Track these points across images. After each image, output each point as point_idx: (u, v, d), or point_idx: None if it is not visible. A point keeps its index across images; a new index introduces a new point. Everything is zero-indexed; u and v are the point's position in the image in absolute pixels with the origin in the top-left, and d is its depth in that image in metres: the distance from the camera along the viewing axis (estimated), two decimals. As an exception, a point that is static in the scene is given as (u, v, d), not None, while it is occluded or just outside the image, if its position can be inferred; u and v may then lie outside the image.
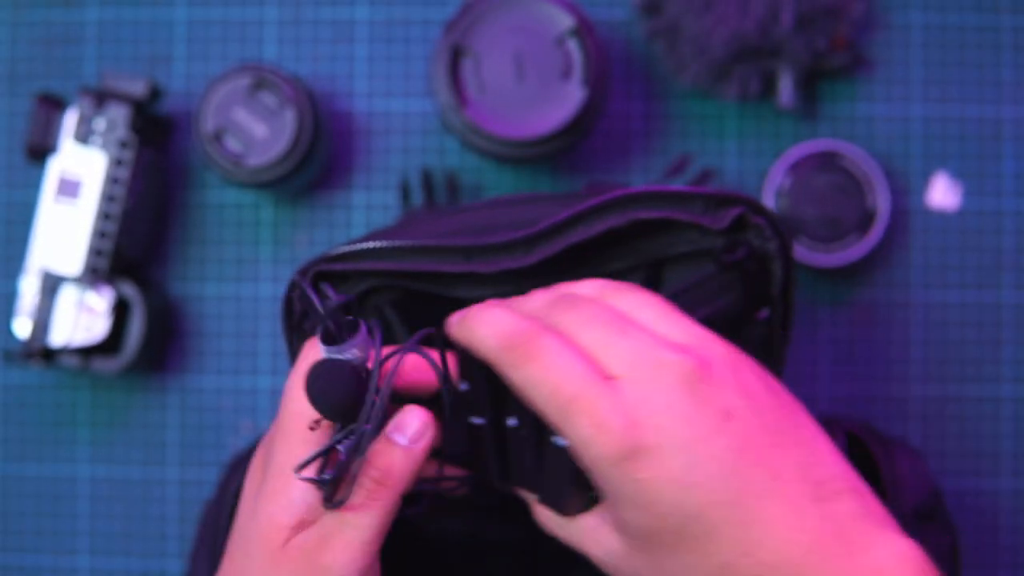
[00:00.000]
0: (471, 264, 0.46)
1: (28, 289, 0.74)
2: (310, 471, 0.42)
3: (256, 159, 0.71)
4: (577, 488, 0.42)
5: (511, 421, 0.43)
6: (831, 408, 0.78)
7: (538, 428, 0.42)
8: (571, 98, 0.70)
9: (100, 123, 0.73)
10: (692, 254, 0.47)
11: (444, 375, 0.44)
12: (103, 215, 0.73)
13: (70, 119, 0.73)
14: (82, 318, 0.73)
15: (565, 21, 0.70)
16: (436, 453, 0.46)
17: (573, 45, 0.70)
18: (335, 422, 0.42)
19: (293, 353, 0.49)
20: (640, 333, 0.40)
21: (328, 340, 0.41)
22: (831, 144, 0.75)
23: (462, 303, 0.46)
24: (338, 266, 0.47)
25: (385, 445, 0.43)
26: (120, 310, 0.75)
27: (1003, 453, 0.78)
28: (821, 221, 0.74)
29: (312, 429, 0.43)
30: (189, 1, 0.79)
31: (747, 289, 0.46)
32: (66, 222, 0.73)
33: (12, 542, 0.79)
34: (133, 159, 0.73)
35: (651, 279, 0.47)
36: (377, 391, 0.42)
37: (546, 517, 0.45)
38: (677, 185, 0.76)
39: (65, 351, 0.74)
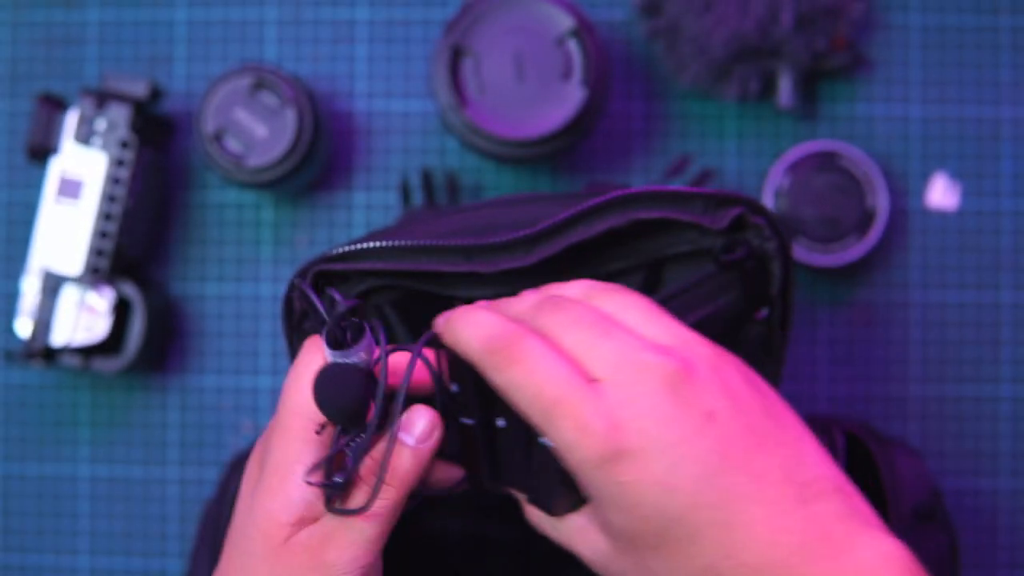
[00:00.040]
0: (471, 264, 0.46)
1: (29, 289, 0.74)
2: (315, 475, 0.43)
3: (256, 159, 0.72)
4: (564, 488, 0.42)
5: (500, 422, 0.43)
6: (830, 408, 0.78)
7: (526, 429, 0.42)
8: (571, 98, 0.70)
9: (101, 123, 0.73)
10: (692, 254, 0.47)
11: (438, 377, 0.44)
12: (104, 215, 0.73)
13: (71, 119, 0.73)
14: (83, 318, 0.74)
15: (565, 21, 0.70)
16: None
17: (573, 45, 0.70)
18: (340, 426, 0.42)
19: (293, 352, 0.49)
20: (624, 335, 0.40)
21: (335, 345, 0.41)
22: (830, 144, 0.75)
23: (462, 303, 0.46)
24: (338, 266, 0.47)
25: (395, 446, 0.43)
26: (121, 310, 0.75)
27: (1002, 453, 0.78)
28: (820, 221, 0.74)
29: (318, 433, 0.43)
30: (190, 2, 0.79)
31: (746, 289, 0.46)
32: (67, 222, 0.73)
33: (13, 541, 0.79)
34: (134, 159, 0.74)
35: (651, 279, 0.48)
36: (390, 397, 0.42)
37: (537, 517, 0.46)
38: (677, 185, 0.77)
39: (66, 351, 0.74)
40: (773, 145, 0.79)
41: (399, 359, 0.44)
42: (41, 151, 0.74)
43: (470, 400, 0.44)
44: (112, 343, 0.75)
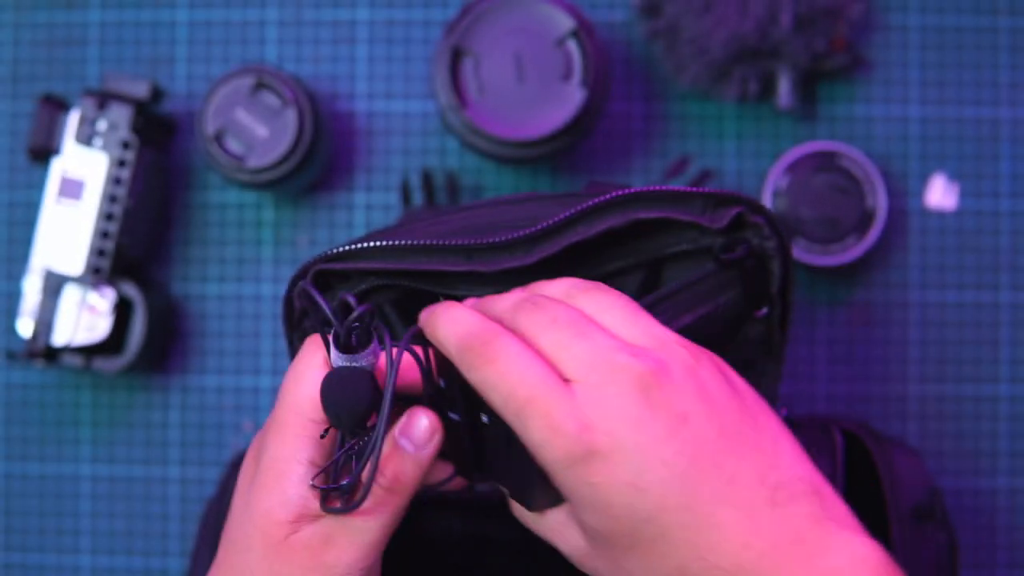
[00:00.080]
0: (472, 263, 0.46)
1: (31, 289, 0.74)
2: (320, 479, 0.43)
3: (257, 160, 0.72)
4: (543, 485, 0.42)
5: (484, 418, 0.43)
6: (829, 408, 0.78)
7: (507, 425, 0.42)
8: (571, 99, 0.70)
9: (102, 124, 0.73)
10: (691, 253, 0.47)
11: (427, 373, 0.44)
12: (105, 215, 0.73)
13: (72, 120, 0.74)
14: (84, 318, 0.74)
15: (565, 22, 0.70)
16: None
17: (573, 46, 0.71)
18: (345, 429, 0.42)
19: (293, 352, 0.49)
20: (599, 336, 0.40)
21: (345, 349, 0.42)
22: (829, 145, 0.75)
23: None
24: (338, 265, 0.47)
25: (394, 451, 0.43)
26: (122, 310, 0.75)
27: (1000, 452, 0.78)
28: (819, 221, 0.75)
29: (322, 437, 0.44)
30: (191, 3, 0.80)
31: (746, 287, 0.46)
32: (68, 222, 0.73)
33: (15, 541, 0.79)
34: (135, 160, 0.74)
35: (651, 278, 0.48)
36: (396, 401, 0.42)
37: (521, 511, 0.46)
38: (676, 185, 0.77)
39: (67, 351, 0.74)
40: (772, 146, 0.79)
41: (406, 361, 0.44)
42: (43, 152, 0.74)
43: (456, 395, 0.44)
44: (113, 343, 0.75)
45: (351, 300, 0.40)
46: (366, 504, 0.42)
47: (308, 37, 0.80)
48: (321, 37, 0.80)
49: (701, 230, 0.46)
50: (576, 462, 0.38)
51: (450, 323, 0.42)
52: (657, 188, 0.46)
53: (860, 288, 0.79)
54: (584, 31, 0.70)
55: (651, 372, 0.39)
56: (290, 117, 0.72)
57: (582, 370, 0.39)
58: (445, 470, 0.46)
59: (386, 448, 0.43)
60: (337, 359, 0.42)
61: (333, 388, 0.41)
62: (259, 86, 0.72)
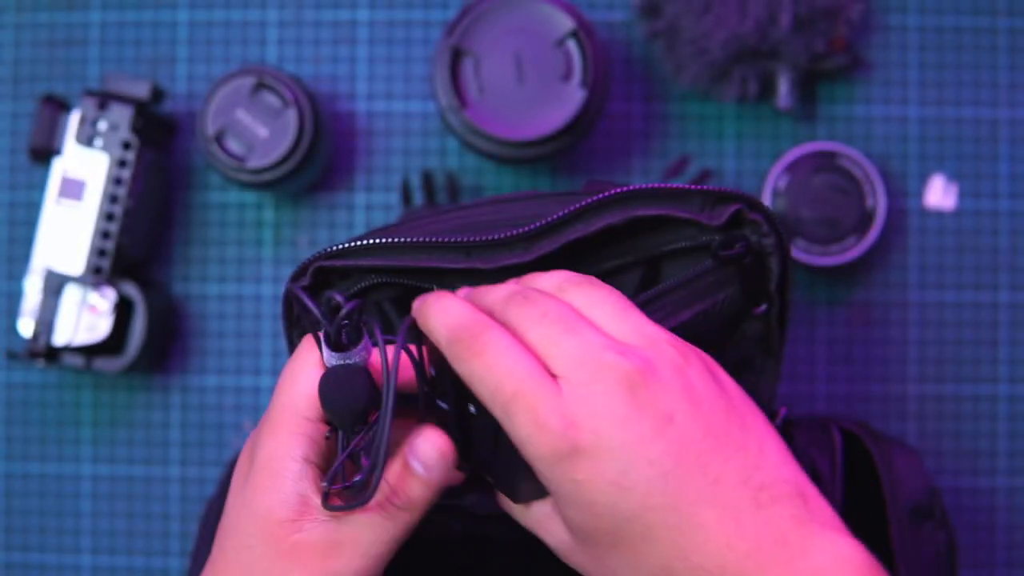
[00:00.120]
0: (471, 261, 0.46)
1: (32, 289, 0.74)
2: (311, 480, 0.43)
3: (258, 160, 0.72)
4: (528, 477, 0.42)
5: (471, 408, 0.43)
6: (829, 407, 0.78)
7: (493, 417, 0.42)
8: (571, 99, 0.70)
9: (103, 124, 0.73)
10: (690, 250, 0.47)
11: (419, 364, 0.44)
12: (106, 215, 0.73)
13: (73, 120, 0.74)
14: (85, 318, 0.74)
15: (565, 23, 0.70)
16: None
17: (573, 46, 0.71)
18: (346, 427, 0.42)
19: (293, 350, 0.49)
20: (588, 332, 0.40)
21: (337, 347, 0.42)
22: (829, 145, 0.75)
23: None
24: (338, 262, 0.47)
25: (404, 470, 0.43)
26: (122, 310, 0.75)
27: (999, 452, 0.78)
28: (819, 222, 0.75)
29: (327, 438, 0.44)
30: (191, 3, 0.80)
31: (745, 284, 0.46)
32: (69, 222, 0.74)
33: (16, 540, 0.79)
34: (135, 160, 0.74)
35: (649, 275, 0.48)
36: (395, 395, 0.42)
37: (507, 501, 0.46)
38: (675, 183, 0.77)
39: (68, 350, 0.74)
40: (772, 146, 0.79)
41: (390, 352, 0.44)
42: (44, 152, 0.74)
43: (446, 385, 0.44)
44: (114, 343, 0.75)
45: (339, 298, 0.40)
46: (377, 515, 0.42)
47: (308, 37, 0.80)
48: (321, 37, 0.80)
49: (700, 227, 0.46)
50: (561, 459, 0.38)
51: (440, 313, 0.42)
52: (656, 185, 0.46)
53: (860, 288, 0.79)
54: (584, 31, 0.70)
55: (638, 371, 0.39)
56: (290, 117, 0.72)
57: (570, 366, 0.39)
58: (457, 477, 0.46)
59: (399, 466, 0.43)
60: (331, 358, 0.42)
61: (331, 388, 0.41)
62: (259, 86, 0.72)
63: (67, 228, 0.74)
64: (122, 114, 0.73)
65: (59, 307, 0.74)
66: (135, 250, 0.76)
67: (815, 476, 0.57)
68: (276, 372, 0.79)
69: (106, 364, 0.75)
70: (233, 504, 0.45)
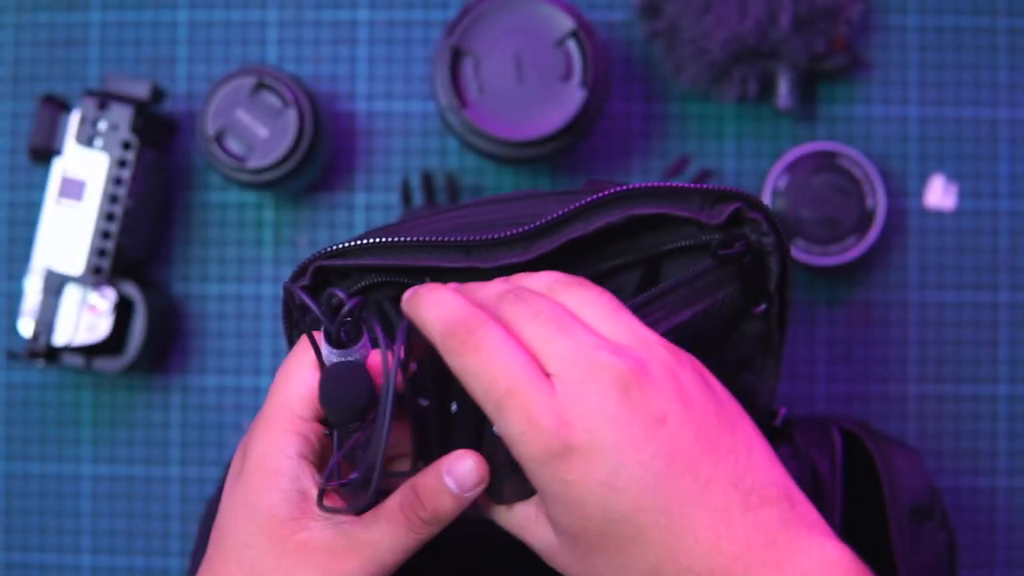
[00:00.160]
0: (470, 260, 0.46)
1: (32, 289, 0.74)
2: (309, 478, 0.43)
3: (258, 160, 0.72)
4: (514, 477, 0.42)
5: (453, 406, 0.43)
6: (828, 407, 0.78)
7: (477, 415, 0.42)
8: (571, 99, 0.70)
9: (103, 124, 0.74)
10: (689, 249, 0.47)
11: (404, 360, 0.44)
12: (106, 215, 0.74)
13: (73, 121, 0.74)
14: (85, 318, 0.74)
15: (565, 23, 0.70)
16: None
17: (573, 46, 0.71)
18: (343, 425, 0.42)
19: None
20: (581, 332, 0.40)
21: (337, 344, 0.42)
22: (829, 145, 0.75)
23: None
24: (338, 261, 0.47)
25: (438, 487, 0.42)
26: (122, 310, 0.75)
27: (999, 452, 0.78)
28: (819, 222, 0.75)
29: (327, 435, 0.44)
30: (191, 3, 0.80)
31: (744, 283, 0.46)
32: (69, 222, 0.74)
33: (16, 540, 0.79)
34: (135, 160, 0.74)
35: (649, 274, 0.48)
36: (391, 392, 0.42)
37: (487, 504, 0.45)
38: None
39: (68, 350, 0.74)
40: (772, 146, 0.79)
41: (389, 354, 0.44)
42: (44, 152, 0.74)
43: (427, 381, 0.44)
44: (114, 343, 0.75)
45: (341, 294, 0.40)
46: (401, 525, 0.42)
47: (308, 37, 0.80)
48: (321, 37, 0.80)
49: (699, 226, 0.46)
50: (552, 458, 0.38)
51: (434, 307, 0.41)
52: (655, 184, 0.46)
53: (860, 288, 0.79)
54: (584, 31, 0.70)
55: (631, 371, 0.39)
56: (290, 117, 0.72)
57: (564, 365, 0.39)
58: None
59: (432, 481, 0.43)
60: (331, 355, 0.42)
61: (331, 385, 0.41)
62: (259, 86, 0.72)
63: (67, 228, 0.74)
64: (122, 114, 0.73)
65: (59, 307, 0.74)
66: (135, 250, 0.76)
67: (815, 476, 0.57)
68: (276, 372, 0.79)
69: (106, 364, 0.75)
70: (229, 503, 0.45)
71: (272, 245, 0.79)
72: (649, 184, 0.46)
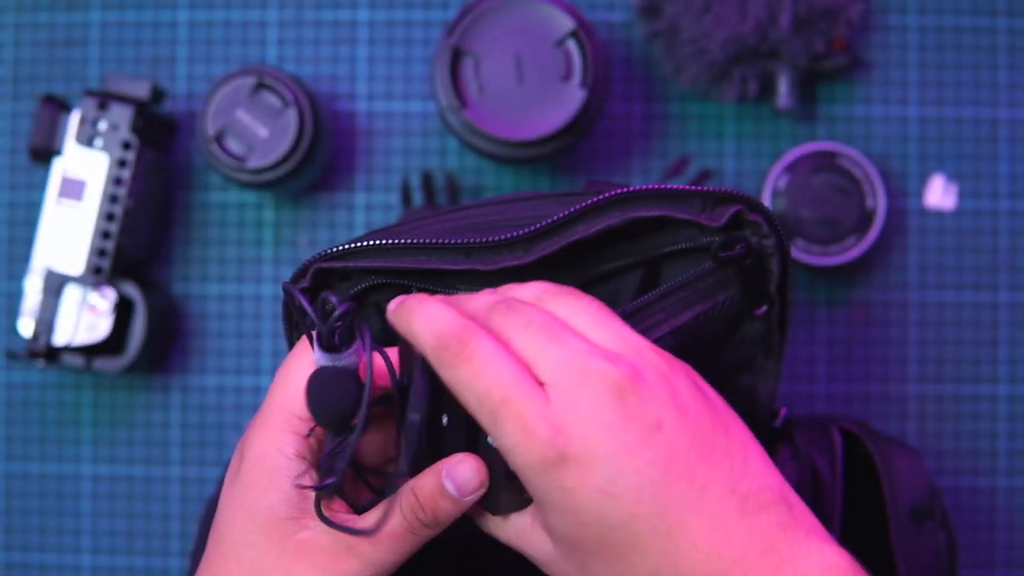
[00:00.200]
0: (471, 262, 0.46)
1: (32, 289, 0.74)
2: (306, 478, 0.43)
3: (258, 160, 0.72)
4: (510, 488, 0.42)
5: (443, 419, 0.43)
6: (828, 407, 0.78)
7: (468, 427, 0.42)
8: (571, 99, 0.70)
9: (103, 124, 0.74)
10: (690, 251, 0.47)
11: (393, 373, 0.44)
12: (106, 215, 0.74)
13: (73, 121, 0.74)
14: (85, 318, 0.74)
15: (565, 23, 0.70)
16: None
17: (573, 47, 0.71)
18: (330, 428, 0.42)
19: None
20: (574, 340, 0.40)
21: (328, 348, 0.42)
22: (829, 145, 0.75)
23: None
24: (338, 263, 0.47)
25: (438, 490, 0.43)
26: (122, 310, 0.75)
27: (999, 452, 0.78)
28: (819, 222, 0.75)
29: (307, 435, 0.44)
30: (191, 3, 0.80)
31: (745, 285, 0.46)
32: (69, 222, 0.74)
33: (16, 540, 0.79)
34: (136, 160, 0.74)
35: (649, 277, 0.48)
36: (386, 398, 0.42)
37: (481, 515, 0.45)
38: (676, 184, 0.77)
39: (68, 350, 0.74)
40: (772, 146, 0.79)
41: (382, 362, 0.44)
42: (44, 152, 0.74)
43: (418, 395, 0.44)
44: (114, 343, 0.75)
45: (333, 300, 0.40)
46: (397, 527, 0.42)
47: (308, 37, 0.80)
48: (321, 37, 0.80)
49: (700, 228, 0.46)
50: (548, 466, 0.38)
51: (425, 319, 0.41)
52: (656, 187, 0.46)
53: (860, 288, 0.79)
54: (584, 31, 0.70)
55: (626, 378, 0.39)
56: (290, 117, 0.72)
57: (557, 374, 0.39)
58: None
59: (432, 484, 0.43)
60: (321, 358, 0.42)
61: (317, 388, 0.41)
62: (260, 86, 0.72)
63: (67, 228, 0.74)
64: (122, 114, 0.73)
65: (59, 307, 0.74)
66: (135, 250, 0.76)
67: (815, 476, 0.57)
68: (276, 372, 0.79)
69: (106, 364, 0.75)
70: (227, 502, 0.45)
71: (272, 245, 0.79)
72: (650, 186, 0.46)
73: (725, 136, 0.79)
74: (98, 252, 0.73)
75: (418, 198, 0.79)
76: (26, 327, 0.74)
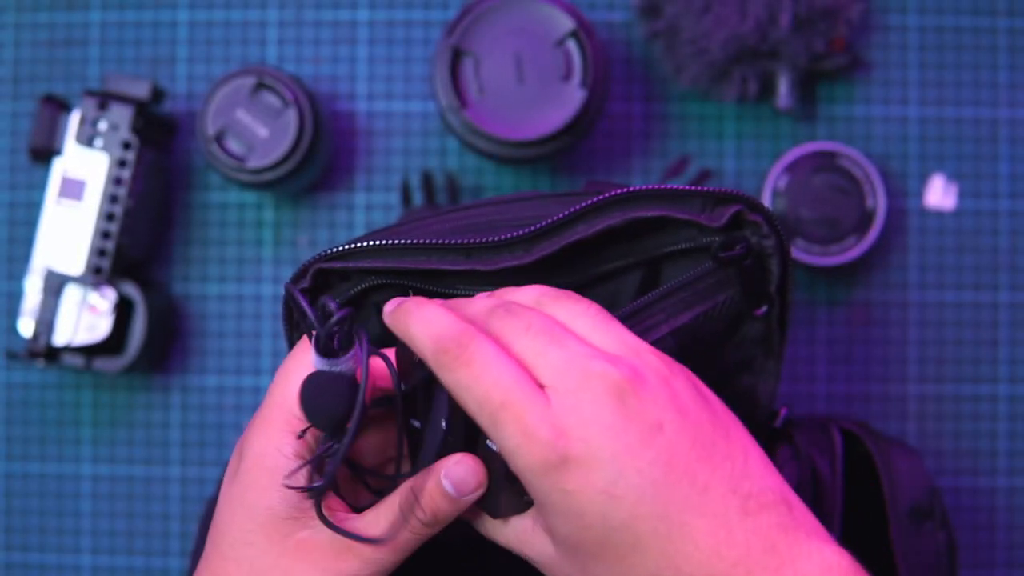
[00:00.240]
0: (471, 262, 0.46)
1: (32, 289, 0.74)
2: (295, 479, 0.43)
3: (258, 160, 0.72)
4: (508, 491, 0.42)
5: (442, 424, 0.43)
6: (828, 407, 0.78)
7: (468, 432, 0.42)
8: (571, 99, 0.70)
9: (103, 124, 0.74)
10: (690, 251, 0.47)
11: (396, 378, 0.44)
12: (106, 215, 0.74)
13: (73, 121, 0.74)
14: (85, 318, 0.74)
15: (565, 23, 0.70)
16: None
17: (573, 47, 0.71)
18: (324, 431, 0.42)
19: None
20: (574, 343, 0.40)
21: (325, 353, 0.42)
22: (829, 145, 0.75)
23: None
24: (338, 264, 0.47)
25: (436, 490, 0.43)
26: (123, 310, 0.75)
27: (999, 452, 0.78)
28: (819, 222, 0.75)
29: (299, 437, 0.44)
30: (191, 3, 0.80)
31: (745, 286, 0.46)
32: (69, 222, 0.74)
33: (16, 540, 0.79)
34: (136, 160, 0.74)
35: (649, 277, 0.48)
36: (381, 401, 0.42)
37: (479, 519, 0.45)
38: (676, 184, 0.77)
39: (68, 350, 0.74)
40: (772, 146, 0.79)
41: (381, 364, 0.44)
42: (44, 152, 0.74)
43: (417, 400, 0.44)
44: (114, 343, 0.75)
45: (332, 305, 0.40)
46: (373, 521, 0.43)
47: (308, 37, 0.80)
48: (321, 37, 0.80)
49: (700, 228, 0.46)
50: (550, 469, 0.38)
51: (424, 323, 0.41)
52: (656, 187, 0.46)
53: (859, 288, 0.79)
54: (584, 31, 0.70)
55: (626, 379, 0.39)
56: (290, 117, 0.72)
57: (557, 376, 0.39)
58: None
59: (431, 484, 0.43)
60: (318, 362, 0.42)
61: (312, 392, 0.41)
62: (260, 86, 0.72)
63: (67, 228, 0.74)
64: (122, 114, 0.73)
65: (59, 307, 0.74)
66: (135, 250, 0.76)
67: (815, 476, 0.58)
68: (275, 372, 0.79)
69: (106, 364, 0.75)
70: (226, 501, 0.45)
71: (272, 245, 0.79)
72: (650, 186, 0.46)
73: (725, 136, 0.79)
74: (98, 252, 0.73)
75: (418, 198, 0.79)
76: (26, 327, 0.74)
